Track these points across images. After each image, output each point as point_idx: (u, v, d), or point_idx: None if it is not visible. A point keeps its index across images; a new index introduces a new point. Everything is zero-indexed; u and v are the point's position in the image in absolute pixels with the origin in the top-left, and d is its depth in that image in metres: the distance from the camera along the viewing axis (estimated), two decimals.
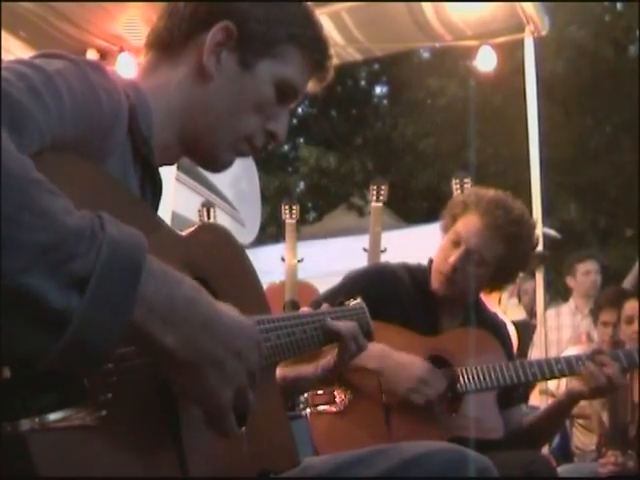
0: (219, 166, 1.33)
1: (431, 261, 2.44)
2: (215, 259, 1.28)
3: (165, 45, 1.27)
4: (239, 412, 1.03)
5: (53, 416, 0.86)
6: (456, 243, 2.31)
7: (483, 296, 2.61)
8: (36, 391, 0.85)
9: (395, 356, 2.19)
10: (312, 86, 1.35)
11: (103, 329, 0.83)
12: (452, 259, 2.29)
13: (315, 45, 1.30)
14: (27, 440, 0.83)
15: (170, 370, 0.95)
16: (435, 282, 2.35)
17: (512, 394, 2.36)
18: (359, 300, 1.72)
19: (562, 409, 2.37)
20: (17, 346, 0.81)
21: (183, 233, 1.24)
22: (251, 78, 1.25)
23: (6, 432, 0.83)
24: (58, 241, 0.82)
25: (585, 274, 5.47)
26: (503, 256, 2.30)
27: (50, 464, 0.84)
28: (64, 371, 0.84)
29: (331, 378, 2.01)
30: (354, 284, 2.29)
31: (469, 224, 2.31)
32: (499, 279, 2.42)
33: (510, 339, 2.56)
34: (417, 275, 2.42)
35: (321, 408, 2.20)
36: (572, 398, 2.32)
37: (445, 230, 2.40)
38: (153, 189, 1.26)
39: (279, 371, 1.68)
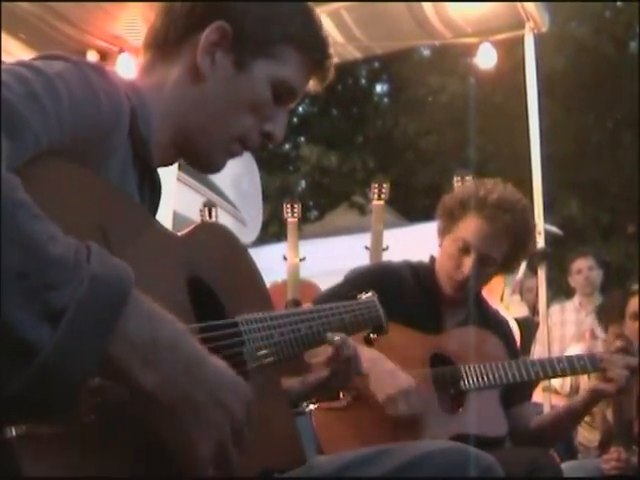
0: (212, 168, 1.31)
1: (433, 258, 2.44)
2: (213, 258, 1.27)
3: (161, 44, 1.26)
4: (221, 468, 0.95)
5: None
6: (464, 250, 2.31)
7: (485, 293, 2.61)
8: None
9: (386, 364, 2.16)
10: (313, 85, 1.33)
11: (73, 366, 0.81)
12: (466, 269, 2.30)
13: (314, 44, 1.28)
14: (14, 447, 0.83)
15: (147, 412, 0.91)
16: (447, 287, 2.36)
17: (515, 392, 2.36)
18: (370, 294, 1.68)
19: (583, 409, 2.37)
20: None
21: (181, 233, 1.23)
22: (246, 79, 1.23)
23: None
24: (37, 268, 0.80)
25: (577, 273, 5.56)
26: (509, 251, 2.34)
27: (38, 470, 0.84)
28: (35, 400, 0.81)
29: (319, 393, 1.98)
30: (357, 282, 2.28)
31: (475, 230, 2.31)
32: (504, 270, 2.49)
33: (513, 337, 2.57)
34: (420, 273, 2.42)
35: (324, 405, 2.19)
36: (596, 396, 2.32)
37: (444, 232, 2.39)
38: (152, 190, 1.25)
39: None
